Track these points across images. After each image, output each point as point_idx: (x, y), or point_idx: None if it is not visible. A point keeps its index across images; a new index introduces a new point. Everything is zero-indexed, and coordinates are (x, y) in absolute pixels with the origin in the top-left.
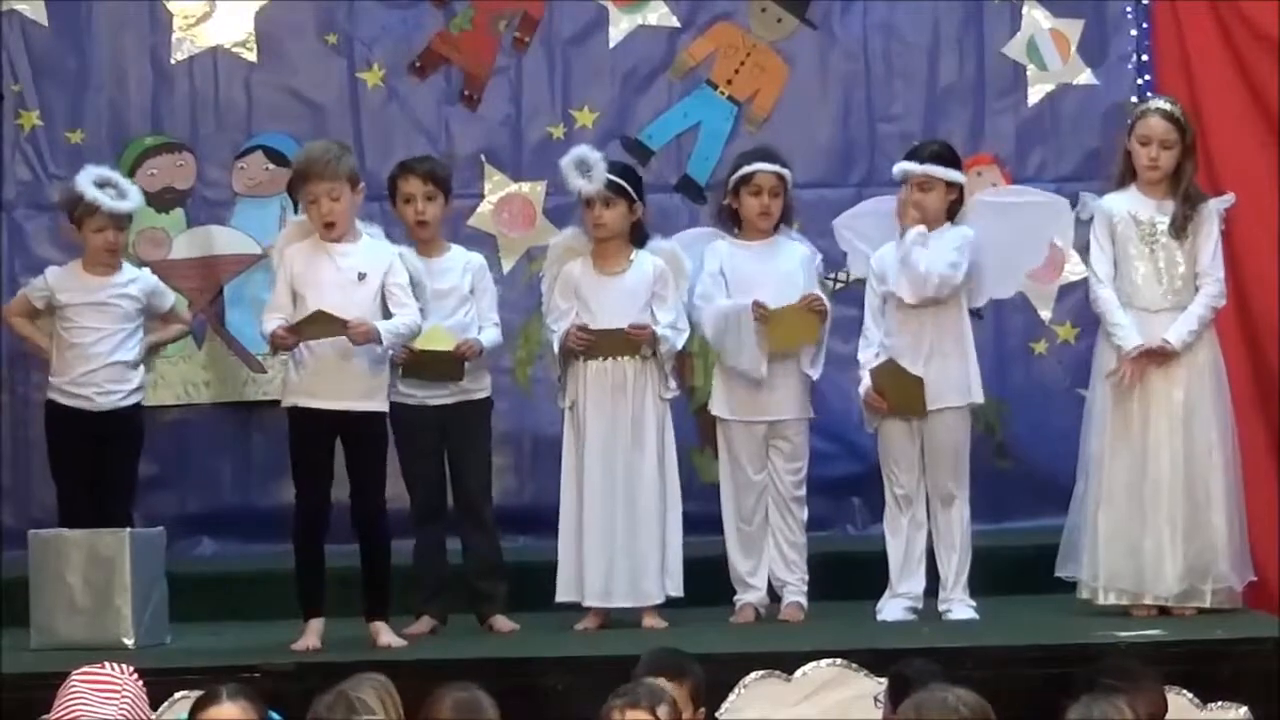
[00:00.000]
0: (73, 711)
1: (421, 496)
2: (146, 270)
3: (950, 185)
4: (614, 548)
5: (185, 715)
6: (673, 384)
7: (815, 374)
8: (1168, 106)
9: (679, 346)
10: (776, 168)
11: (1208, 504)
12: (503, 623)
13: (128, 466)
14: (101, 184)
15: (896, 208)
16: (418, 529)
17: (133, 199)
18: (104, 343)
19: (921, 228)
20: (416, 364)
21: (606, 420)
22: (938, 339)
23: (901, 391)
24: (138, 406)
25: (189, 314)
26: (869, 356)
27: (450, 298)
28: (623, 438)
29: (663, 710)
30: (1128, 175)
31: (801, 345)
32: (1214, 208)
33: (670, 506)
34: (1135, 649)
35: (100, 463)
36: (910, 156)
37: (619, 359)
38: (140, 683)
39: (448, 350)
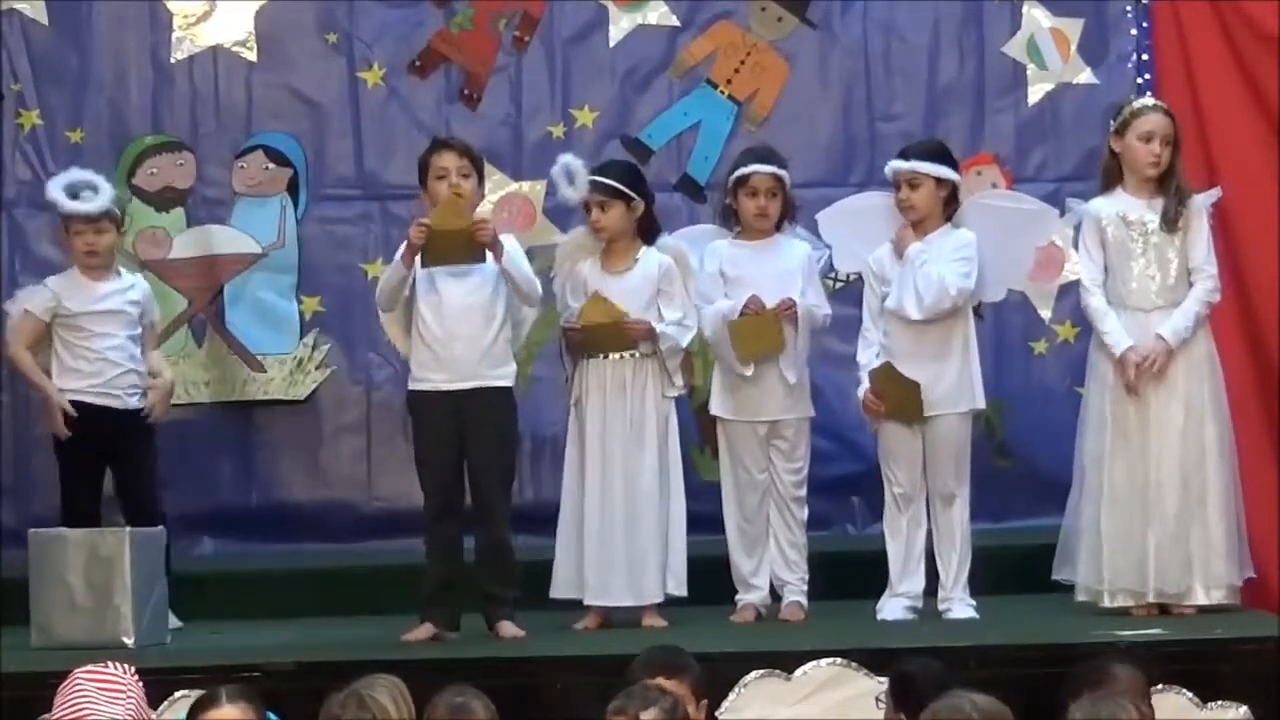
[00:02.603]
0: (79, 711)
1: (434, 490)
2: (140, 277)
3: (941, 182)
4: (613, 546)
5: (185, 716)
6: (678, 381)
7: (792, 378)
8: (1163, 104)
9: (684, 344)
10: (772, 169)
11: (1205, 501)
12: (508, 628)
13: (151, 463)
14: (79, 186)
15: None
16: (428, 526)
17: (98, 201)
18: (119, 349)
19: (918, 243)
20: (433, 246)
21: (608, 418)
22: (941, 343)
23: (899, 395)
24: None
25: (157, 342)
26: (868, 357)
27: (468, 277)
28: (623, 436)
29: (651, 714)
30: (1115, 178)
31: (770, 353)
32: (1202, 202)
33: (673, 505)
34: (1135, 649)
35: (122, 463)
36: (900, 155)
37: (621, 357)
38: (140, 683)
39: (462, 228)
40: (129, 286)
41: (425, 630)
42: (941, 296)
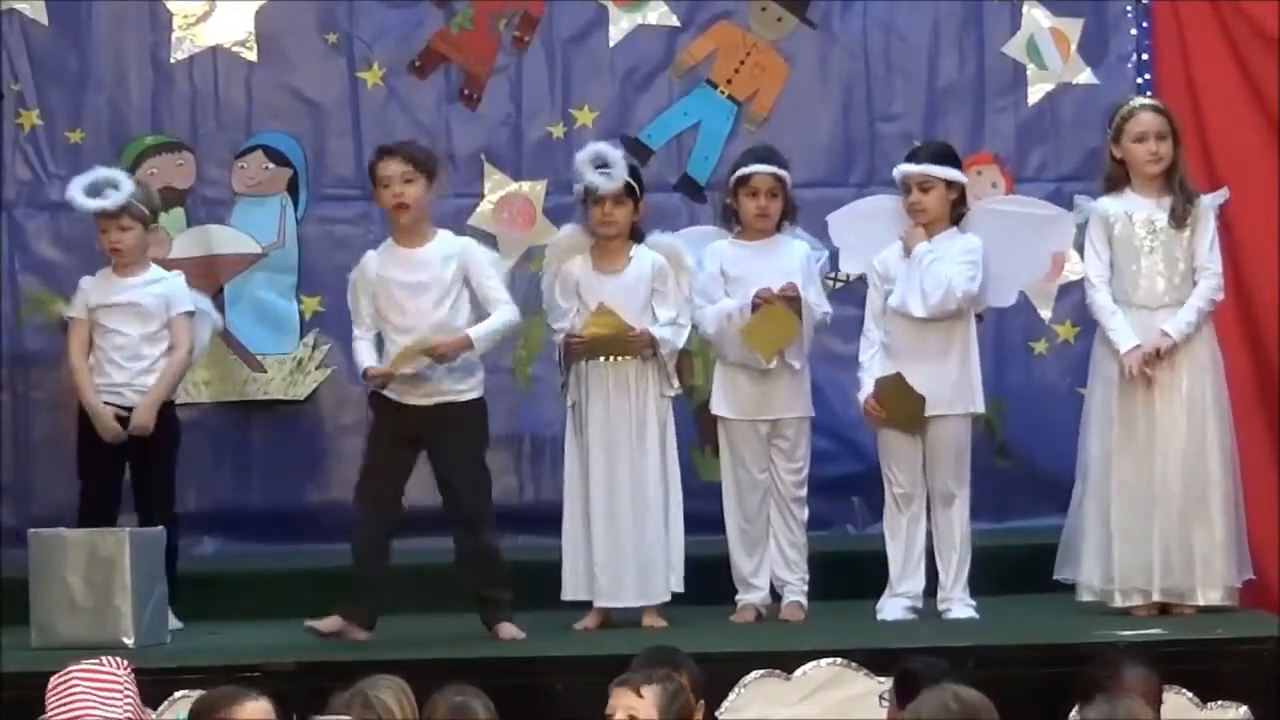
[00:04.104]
0: (76, 714)
1: (371, 493)
2: (175, 274)
3: (951, 185)
4: (621, 547)
5: (186, 715)
6: (675, 382)
7: (797, 364)
8: (1152, 101)
9: (680, 344)
10: (773, 169)
11: (1206, 501)
12: (508, 629)
13: (167, 464)
14: (100, 184)
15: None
16: (358, 526)
17: (115, 197)
18: (129, 346)
19: (926, 243)
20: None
21: (609, 420)
22: (942, 344)
23: (901, 405)
24: (170, 403)
25: (188, 337)
26: (869, 358)
27: (427, 293)
28: (626, 437)
29: (651, 690)
30: (1121, 181)
31: (789, 341)
32: (1209, 203)
33: (673, 503)
34: (1135, 649)
35: (136, 462)
36: (910, 158)
37: (620, 359)
38: (134, 676)
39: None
40: (153, 281)
41: (333, 623)
42: (948, 297)
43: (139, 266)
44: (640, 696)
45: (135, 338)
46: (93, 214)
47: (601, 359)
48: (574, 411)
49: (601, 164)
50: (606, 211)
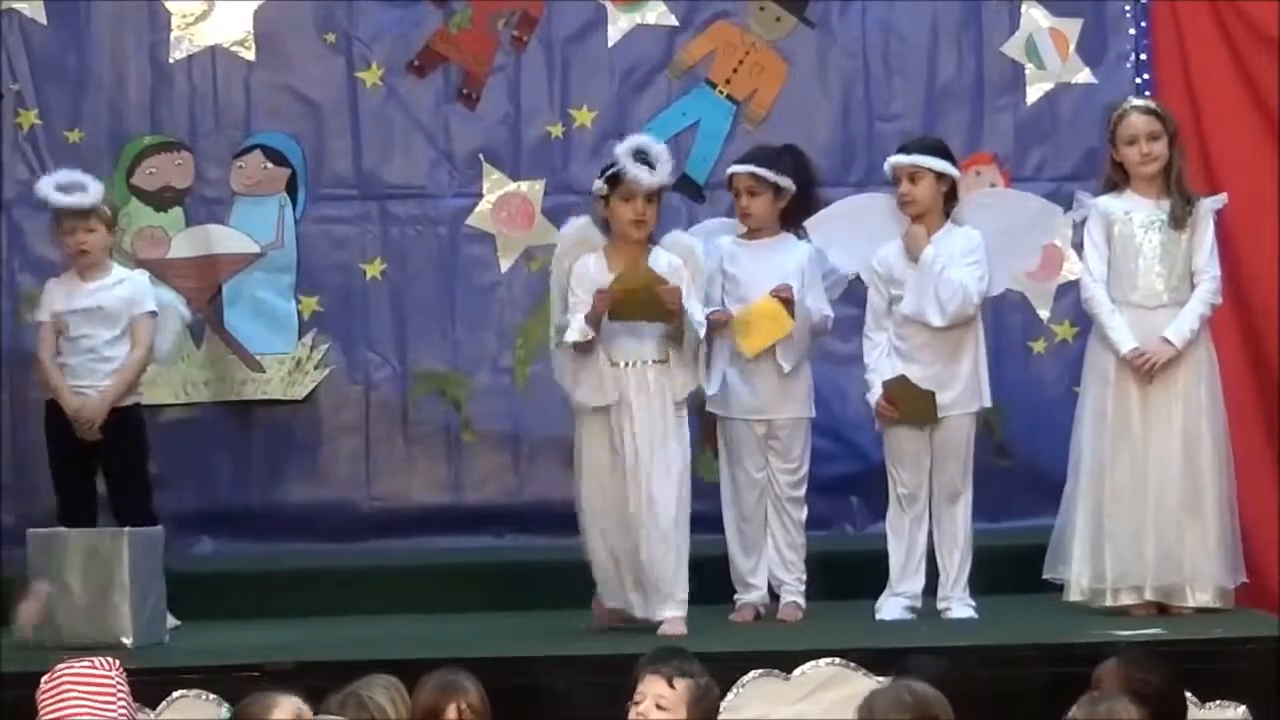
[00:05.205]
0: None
1: None
2: (139, 273)
3: (941, 178)
4: (648, 562)
5: (228, 714)
6: (701, 371)
7: (787, 366)
8: (1143, 102)
9: (701, 335)
10: (749, 168)
11: (1199, 502)
12: None
13: (137, 464)
14: (70, 185)
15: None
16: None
17: (88, 196)
18: (96, 350)
19: (931, 247)
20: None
21: (636, 425)
22: (955, 345)
23: (913, 404)
24: (136, 405)
25: (147, 336)
26: (874, 359)
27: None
28: (647, 444)
29: (683, 684)
30: (1122, 183)
31: (776, 340)
32: (1208, 207)
33: (684, 515)
34: (1134, 648)
35: (106, 464)
36: (900, 150)
37: (638, 364)
38: (124, 675)
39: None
40: (116, 283)
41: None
42: (965, 304)
43: (101, 269)
44: (672, 688)
45: (101, 341)
46: (56, 214)
47: (622, 363)
48: (606, 416)
49: (643, 157)
50: (639, 210)
